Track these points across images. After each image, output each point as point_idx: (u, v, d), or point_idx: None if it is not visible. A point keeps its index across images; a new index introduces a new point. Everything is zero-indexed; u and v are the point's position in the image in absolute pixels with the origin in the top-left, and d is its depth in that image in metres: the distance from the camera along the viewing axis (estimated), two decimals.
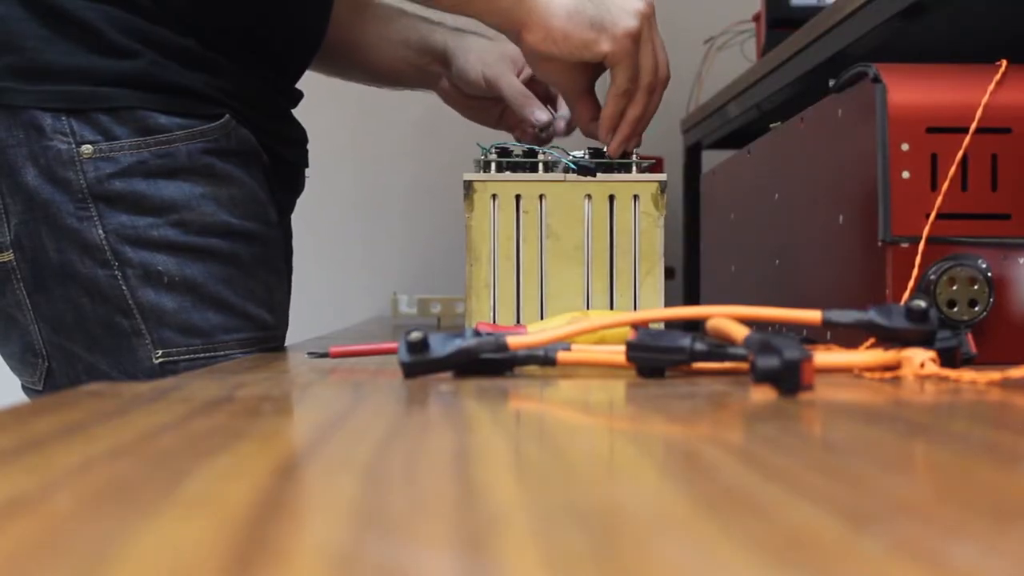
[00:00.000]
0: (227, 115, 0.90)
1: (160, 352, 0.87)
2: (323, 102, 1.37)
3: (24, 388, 0.95)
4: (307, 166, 1.09)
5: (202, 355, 0.88)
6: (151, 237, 0.86)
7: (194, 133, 0.88)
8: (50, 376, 0.91)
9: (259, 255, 0.92)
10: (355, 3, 1.12)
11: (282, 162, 1.02)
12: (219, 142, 0.90)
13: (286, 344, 1.10)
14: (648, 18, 0.86)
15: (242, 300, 0.90)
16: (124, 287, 0.86)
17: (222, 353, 0.88)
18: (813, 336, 0.78)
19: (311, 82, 1.37)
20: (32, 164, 0.86)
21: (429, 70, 1.12)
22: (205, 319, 0.88)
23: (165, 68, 0.88)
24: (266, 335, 0.92)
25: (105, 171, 0.86)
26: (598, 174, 0.84)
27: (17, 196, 0.86)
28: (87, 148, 0.85)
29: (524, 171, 0.86)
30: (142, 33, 0.88)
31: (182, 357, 0.87)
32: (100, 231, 0.86)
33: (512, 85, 1.04)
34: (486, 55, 1.07)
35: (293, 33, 1.00)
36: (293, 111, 1.06)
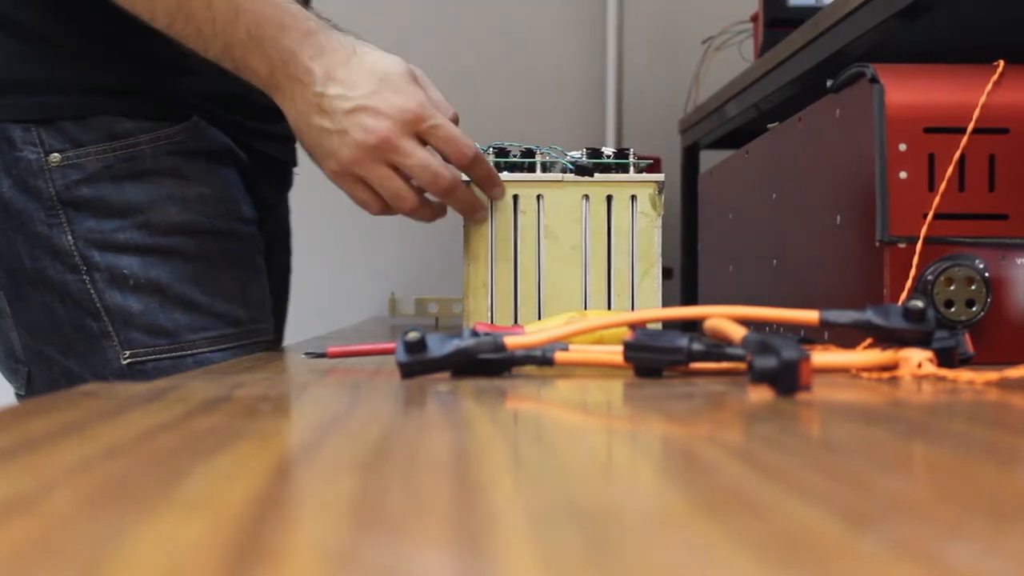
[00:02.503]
0: (194, 116, 0.92)
1: (127, 353, 0.89)
2: None
3: (16, 395, 0.96)
4: (295, 164, 1.09)
5: (168, 355, 0.89)
6: (116, 240, 0.89)
7: (159, 136, 0.90)
8: (31, 381, 0.92)
9: (230, 251, 0.93)
10: None
11: (267, 159, 1.02)
12: (185, 143, 0.91)
13: (285, 343, 1.11)
14: (375, 149, 0.81)
15: (209, 298, 0.91)
16: (92, 291, 0.88)
17: (189, 352, 0.90)
18: (811, 336, 0.78)
19: None
20: (6, 175, 0.88)
21: None
22: (170, 319, 0.89)
23: (131, 74, 0.90)
24: (239, 331, 0.93)
25: (72, 178, 0.88)
26: (596, 174, 0.84)
27: None
28: (55, 157, 0.88)
29: (522, 171, 0.86)
30: (108, 41, 0.89)
31: (149, 357, 0.89)
32: (69, 237, 0.88)
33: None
34: None
35: None
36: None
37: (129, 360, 0.89)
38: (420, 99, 0.81)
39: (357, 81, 0.81)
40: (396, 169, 0.82)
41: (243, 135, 0.98)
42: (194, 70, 0.92)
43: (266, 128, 1.02)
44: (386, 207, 0.85)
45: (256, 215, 0.98)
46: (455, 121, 0.86)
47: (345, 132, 0.81)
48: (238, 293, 0.94)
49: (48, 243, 0.88)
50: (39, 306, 0.89)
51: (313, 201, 1.73)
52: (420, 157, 0.82)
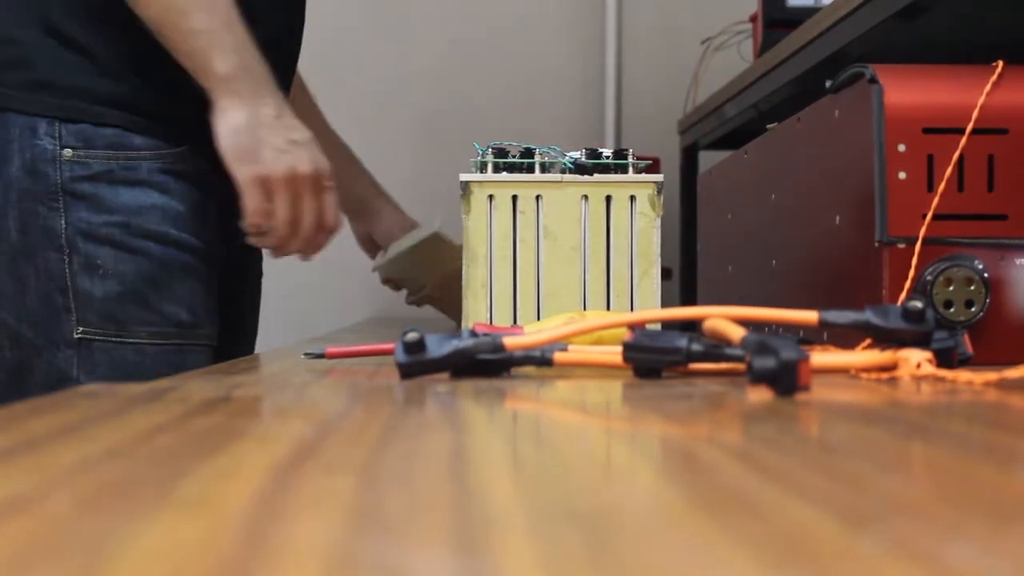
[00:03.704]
0: (187, 146, 1.07)
1: (81, 329, 1.02)
2: (322, 102, 1.37)
3: None
4: None
5: (114, 339, 1.03)
6: (99, 233, 1.03)
7: (157, 155, 1.05)
8: None
9: (188, 263, 1.07)
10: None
11: None
12: (176, 165, 1.06)
13: (283, 344, 1.15)
14: (300, 180, 1.01)
15: (160, 298, 1.05)
16: (68, 271, 1.02)
17: (131, 341, 1.04)
18: (810, 337, 0.78)
19: (313, 83, 1.37)
20: (19, 158, 1.02)
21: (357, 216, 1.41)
22: (123, 311, 1.03)
23: (149, 96, 1.05)
24: (179, 331, 1.06)
25: (79, 174, 1.03)
26: (595, 175, 0.84)
27: None
28: (68, 152, 1.02)
29: (521, 172, 0.86)
30: (136, 64, 1.04)
31: (96, 337, 1.03)
32: (63, 222, 1.02)
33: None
34: (395, 228, 1.40)
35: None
36: None
37: (80, 335, 1.02)
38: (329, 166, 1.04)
39: (301, 127, 1.03)
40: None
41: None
42: (202, 100, 1.04)
43: None
44: (260, 229, 1.03)
45: (219, 235, 1.11)
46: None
47: (285, 152, 1.00)
48: (186, 299, 1.07)
49: (44, 223, 1.02)
50: (10, 274, 1.03)
51: None
52: (314, 207, 1.03)
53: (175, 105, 1.06)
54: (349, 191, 1.35)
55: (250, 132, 0.99)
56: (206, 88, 1.00)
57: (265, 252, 1.22)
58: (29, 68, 1.03)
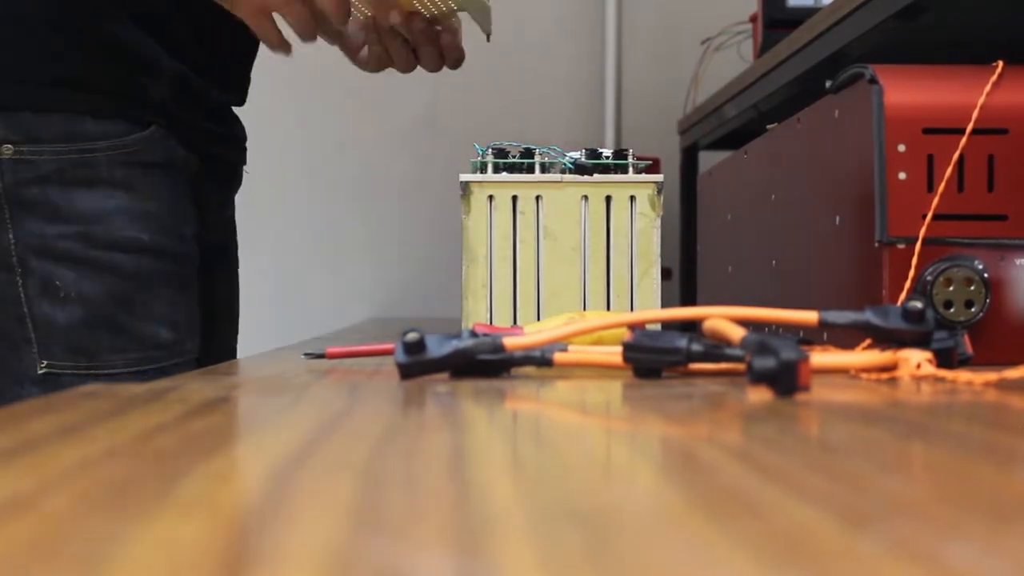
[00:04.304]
0: (154, 127, 0.90)
1: (44, 363, 0.86)
2: (323, 101, 1.37)
3: None
4: (244, 163, 1.08)
5: (84, 371, 0.87)
6: (55, 248, 0.86)
7: (118, 144, 0.88)
8: None
9: (165, 271, 0.91)
10: None
11: (216, 160, 1.00)
12: (142, 154, 0.89)
13: (284, 344, 1.13)
14: None
15: (135, 319, 0.89)
16: (23, 295, 0.86)
17: (106, 372, 0.88)
18: (810, 337, 0.78)
19: (314, 84, 1.37)
20: None
21: None
22: (93, 339, 0.87)
23: (98, 69, 0.87)
24: (160, 354, 0.91)
25: (24, 176, 0.85)
26: (595, 175, 0.84)
27: None
28: (8, 148, 0.85)
29: (521, 172, 0.86)
30: (78, 31, 0.87)
31: (65, 372, 0.87)
32: (10, 236, 0.86)
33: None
34: None
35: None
36: (236, 109, 1.05)
37: (45, 371, 0.86)
38: None
39: None
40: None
41: (198, 138, 0.96)
42: (162, 72, 0.91)
43: (221, 131, 1.01)
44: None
45: (198, 229, 0.96)
46: None
47: None
48: (166, 315, 0.91)
49: None
50: None
51: (312, 200, 1.74)
52: None
53: (131, 75, 0.88)
54: None
55: None
56: None
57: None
58: None
